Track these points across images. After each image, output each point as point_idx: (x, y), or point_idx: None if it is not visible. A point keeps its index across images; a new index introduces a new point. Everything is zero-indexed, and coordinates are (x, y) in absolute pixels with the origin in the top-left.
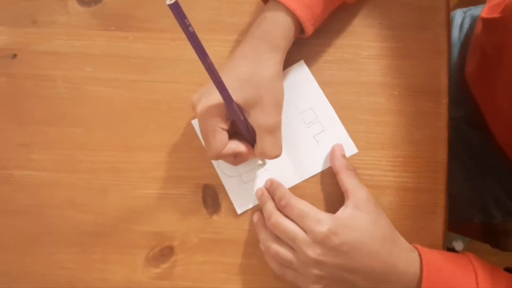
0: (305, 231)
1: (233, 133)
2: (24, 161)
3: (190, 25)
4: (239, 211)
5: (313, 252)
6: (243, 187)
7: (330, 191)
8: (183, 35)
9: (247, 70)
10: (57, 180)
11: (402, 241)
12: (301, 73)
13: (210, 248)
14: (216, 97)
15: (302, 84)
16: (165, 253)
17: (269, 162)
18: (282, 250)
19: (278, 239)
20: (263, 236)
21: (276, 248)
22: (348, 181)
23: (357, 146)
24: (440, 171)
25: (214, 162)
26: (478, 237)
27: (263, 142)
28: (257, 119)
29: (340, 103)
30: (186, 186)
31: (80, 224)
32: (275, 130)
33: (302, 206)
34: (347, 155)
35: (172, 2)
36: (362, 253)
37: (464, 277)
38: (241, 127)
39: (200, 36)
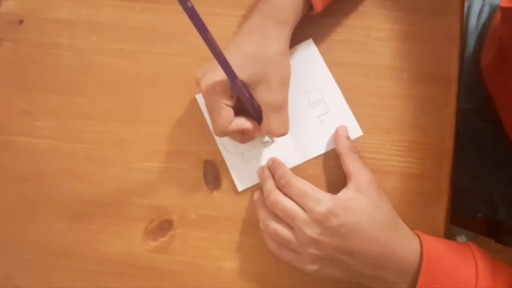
0: (304, 210)
1: (240, 110)
2: (26, 128)
3: (188, 0)
4: (240, 189)
5: (312, 231)
6: (245, 165)
7: (333, 173)
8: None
9: (253, 46)
10: (58, 148)
11: (403, 227)
12: (309, 52)
13: (209, 224)
14: (220, 73)
15: (310, 63)
16: (163, 227)
17: (277, 139)
18: (281, 229)
19: (277, 218)
20: (262, 214)
21: (275, 227)
22: (351, 164)
23: (363, 129)
24: (446, 159)
25: (216, 138)
26: (481, 232)
27: (270, 119)
28: (263, 96)
29: (347, 84)
30: (187, 161)
31: (79, 194)
32: (281, 107)
33: (301, 185)
34: (352, 137)
35: None
36: (360, 236)
37: (464, 267)
38: (246, 104)
39: (208, 10)
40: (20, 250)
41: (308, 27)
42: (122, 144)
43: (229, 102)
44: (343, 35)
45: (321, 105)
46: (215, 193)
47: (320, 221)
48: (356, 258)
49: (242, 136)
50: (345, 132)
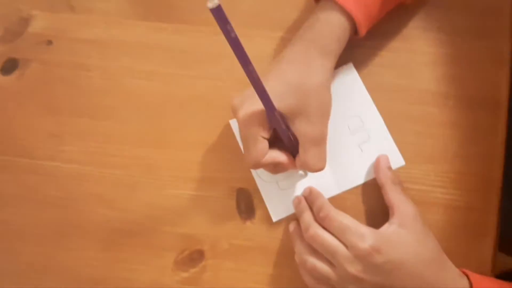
0: (346, 245)
1: (274, 141)
2: (54, 152)
3: (232, 30)
4: (274, 219)
5: (354, 268)
6: (280, 194)
7: (373, 204)
8: None
9: (296, 76)
10: (87, 173)
11: (451, 265)
12: (349, 77)
13: (241, 255)
14: (259, 104)
15: (350, 89)
16: (194, 257)
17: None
18: (320, 265)
19: (315, 252)
20: (299, 248)
21: (313, 262)
22: (393, 196)
23: (404, 157)
24: (493, 191)
25: None
26: None
27: (307, 153)
28: (302, 128)
29: (389, 110)
30: (219, 189)
31: (108, 220)
32: (320, 141)
33: (343, 219)
34: (393, 167)
35: (214, 6)
36: (405, 274)
37: None
38: (283, 137)
39: (244, 31)
40: (46, 277)
41: (349, 49)
42: (152, 169)
43: (266, 134)
44: (386, 59)
45: (361, 132)
46: (248, 223)
47: (363, 257)
48: None
49: (274, 168)
50: (387, 161)
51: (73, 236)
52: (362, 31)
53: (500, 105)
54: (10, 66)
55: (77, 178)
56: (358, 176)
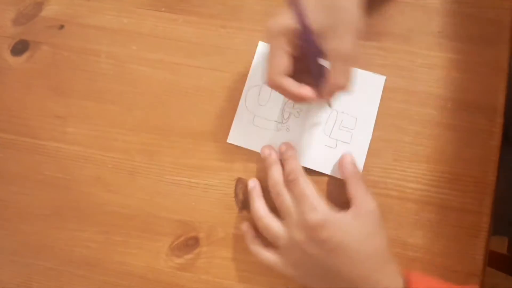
0: (300, 213)
1: (300, 71)
2: (58, 133)
3: None
4: (229, 140)
5: (298, 235)
6: (249, 127)
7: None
8: (234, 23)
9: None
10: (89, 156)
11: (392, 266)
12: (373, 85)
13: (236, 244)
14: (289, 16)
15: (366, 94)
16: (190, 243)
17: (291, 130)
18: (275, 223)
19: (272, 213)
20: (259, 204)
21: (270, 220)
22: (355, 189)
23: (402, 157)
24: (488, 193)
25: (245, 88)
26: (503, 269)
27: (335, 69)
28: (331, 43)
29: (388, 110)
30: (218, 178)
31: (106, 203)
32: (348, 58)
33: (306, 187)
34: None
35: None
36: (345, 257)
37: None
38: (310, 51)
39: (251, 26)
40: (41, 257)
41: None
42: (154, 155)
43: (290, 48)
44: (387, 59)
45: (347, 133)
46: (244, 213)
47: (308, 228)
48: (335, 276)
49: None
50: (351, 159)
51: (70, 217)
52: None
53: (497, 110)
54: (21, 47)
55: (78, 160)
56: (325, 165)
